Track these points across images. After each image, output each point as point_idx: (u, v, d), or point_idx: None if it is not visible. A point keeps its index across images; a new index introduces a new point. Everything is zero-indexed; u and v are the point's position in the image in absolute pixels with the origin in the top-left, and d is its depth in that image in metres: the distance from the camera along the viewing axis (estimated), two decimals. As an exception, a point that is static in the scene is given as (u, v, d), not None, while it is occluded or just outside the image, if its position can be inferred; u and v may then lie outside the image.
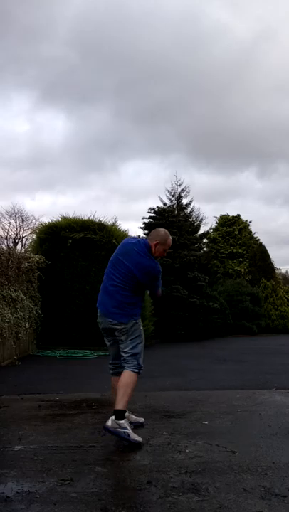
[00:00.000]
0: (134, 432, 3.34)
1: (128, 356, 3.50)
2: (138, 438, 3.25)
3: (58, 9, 38.45)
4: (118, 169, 48.47)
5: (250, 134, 45.58)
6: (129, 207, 46.11)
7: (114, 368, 3.70)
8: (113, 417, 3.28)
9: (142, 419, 3.77)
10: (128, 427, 3.27)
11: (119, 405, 3.29)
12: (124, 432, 3.22)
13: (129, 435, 3.22)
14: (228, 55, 42.29)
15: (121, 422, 3.25)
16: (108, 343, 3.71)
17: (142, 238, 3.80)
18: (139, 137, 46.33)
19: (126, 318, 3.52)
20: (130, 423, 3.59)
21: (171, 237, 3.77)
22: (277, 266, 26.93)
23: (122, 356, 3.54)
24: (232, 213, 24.77)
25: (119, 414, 3.27)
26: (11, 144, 46.17)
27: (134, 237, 3.84)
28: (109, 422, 3.28)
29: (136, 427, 3.61)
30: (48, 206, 41.91)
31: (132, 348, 3.51)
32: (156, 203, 18.26)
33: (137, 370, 3.47)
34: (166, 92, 42.36)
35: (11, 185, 43.64)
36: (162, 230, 3.78)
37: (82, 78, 43.43)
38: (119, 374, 3.54)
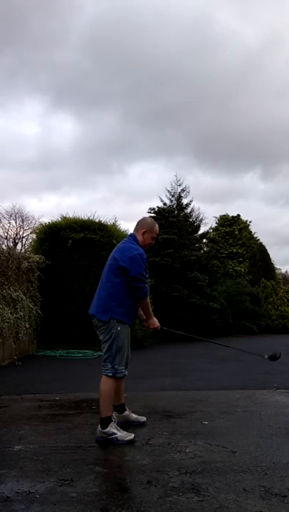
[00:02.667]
0: (134, 432, 3.37)
1: (104, 360, 3.48)
2: (129, 437, 3.30)
3: (71, 17, 39.24)
4: (124, 171, 49.50)
5: (255, 136, 46.40)
6: (134, 207, 46.81)
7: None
8: (99, 426, 3.33)
9: (142, 419, 3.78)
10: (115, 431, 3.31)
11: (100, 414, 3.36)
12: (112, 439, 3.27)
13: (117, 438, 3.27)
14: (235, 60, 43.13)
15: (106, 430, 3.30)
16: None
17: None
18: (145, 139, 47.35)
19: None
20: (130, 421, 3.67)
21: (157, 225, 3.76)
22: (277, 266, 26.97)
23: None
24: (235, 214, 24.79)
25: (103, 423, 3.32)
26: (22, 146, 47.52)
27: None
28: (98, 433, 3.34)
29: (137, 426, 3.63)
30: (53, 207, 42.62)
31: (105, 353, 3.49)
32: (157, 204, 18.22)
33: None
34: (173, 95, 43.41)
35: (20, 187, 45.01)
36: (148, 218, 3.79)
37: (93, 83, 44.71)
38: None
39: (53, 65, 41.49)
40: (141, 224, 3.69)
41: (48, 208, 44.03)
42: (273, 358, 3.84)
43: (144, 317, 3.66)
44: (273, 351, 3.99)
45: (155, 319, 3.67)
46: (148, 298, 3.58)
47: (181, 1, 41.51)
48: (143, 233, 3.61)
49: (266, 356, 3.87)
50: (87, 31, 40.66)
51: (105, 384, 3.39)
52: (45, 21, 37.52)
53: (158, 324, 3.68)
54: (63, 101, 48.16)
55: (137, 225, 3.71)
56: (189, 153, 47.26)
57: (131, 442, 3.26)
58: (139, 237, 3.61)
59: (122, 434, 3.29)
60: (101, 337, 3.52)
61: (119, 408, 3.65)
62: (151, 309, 3.67)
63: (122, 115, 48.54)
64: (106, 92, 45.58)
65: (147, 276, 3.63)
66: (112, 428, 3.31)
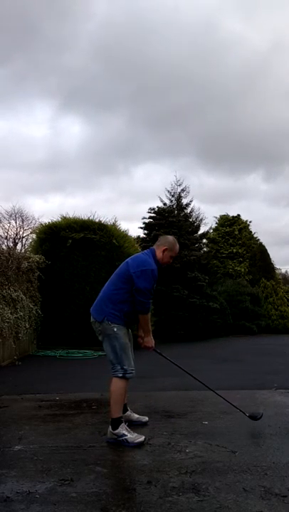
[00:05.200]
0: (136, 431, 3.37)
1: (110, 362, 3.49)
2: (139, 439, 3.27)
3: (81, 23, 40.30)
4: (130, 172, 50.14)
5: (259, 137, 47.21)
6: (138, 208, 47.27)
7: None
8: (110, 427, 3.33)
9: (144, 418, 3.79)
10: (126, 432, 3.29)
11: (111, 414, 3.36)
12: (122, 440, 3.26)
13: (127, 440, 3.25)
14: (241, 63, 43.59)
15: (116, 431, 3.29)
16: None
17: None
18: (151, 141, 48.09)
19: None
20: (132, 421, 3.66)
21: (178, 246, 3.76)
22: (277, 266, 26.94)
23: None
24: (235, 214, 24.78)
25: (113, 424, 3.32)
26: (30, 149, 48.14)
27: None
28: (108, 434, 3.34)
29: (138, 426, 3.63)
30: (57, 207, 43.22)
31: (109, 355, 3.53)
32: (158, 204, 18.22)
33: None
34: (179, 98, 44.12)
35: (26, 188, 45.87)
36: (171, 237, 3.79)
37: (101, 86, 45.51)
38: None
39: (62, 69, 42.55)
40: (163, 241, 3.70)
41: (53, 208, 44.77)
42: (254, 418, 3.78)
43: (142, 334, 3.65)
44: (256, 411, 3.87)
45: (152, 338, 3.65)
46: (149, 314, 3.56)
47: (189, 6, 42.45)
48: (163, 250, 3.62)
49: (247, 414, 3.82)
50: (97, 36, 41.68)
51: (116, 385, 3.38)
52: (56, 27, 38.33)
53: (152, 345, 3.66)
54: (72, 104, 49.13)
55: (158, 241, 3.73)
56: (194, 154, 47.98)
57: (141, 445, 3.23)
58: (159, 254, 3.61)
59: (132, 436, 3.28)
60: (100, 338, 3.53)
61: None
62: (150, 326, 3.64)
63: (129, 118, 49.45)
64: (114, 96, 46.35)
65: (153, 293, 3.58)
66: (123, 429, 3.31)
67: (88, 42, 41.79)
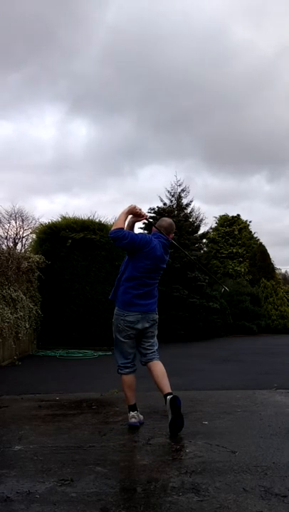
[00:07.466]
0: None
1: (156, 349, 3.79)
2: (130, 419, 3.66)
3: (93, 29, 41.30)
4: (135, 173, 51.27)
5: (264, 139, 47.99)
6: (142, 208, 47.75)
7: (132, 367, 3.77)
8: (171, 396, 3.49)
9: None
10: (131, 418, 3.65)
11: (170, 388, 3.59)
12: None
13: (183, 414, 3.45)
14: (248, 68, 44.28)
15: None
16: (129, 345, 3.74)
17: (155, 234, 3.89)
18: (157, 144, 49.21)
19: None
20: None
21: (167, 223, 3.98)
22: (278, 266, 26.96)
23: (150, 350, 3.75)
24: (235, 214, 24.78)
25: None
26: (39, 151, 48.96)
27: (150, 239, 3.83)
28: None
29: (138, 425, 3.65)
30: (62, 208, 43.73)
31: (156, 342, 3.80)
32: (159, 204, 18.23)
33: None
34: (186, 102, 45.03)
35: (33, 189, 47.31)
36: (170, 221, 4.00)
37: (110, 91, 46.22)
38: (134, 372, 3.76)
39: (73, 74, 43.64)
40: (167, 227, 3.93)
41: (58, 208, 45.50)
42: None
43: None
44: None
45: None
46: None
47: (198, 13, 43.17)
48: (171, 238, 3.92)
49: None
50: (107, 42, 42.67)
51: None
52: (69, 33, 39.65)
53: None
54: (80, 108, 49.98)
55: (163, 226, 3.92)
56: (199, 156, 48.86)
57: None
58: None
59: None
60: None
61: (132, 407, 3.72)
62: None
63: (136, 121, 50.49)
64: (122, 99, 47.37)
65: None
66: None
67: (98, 48, 42.85)
